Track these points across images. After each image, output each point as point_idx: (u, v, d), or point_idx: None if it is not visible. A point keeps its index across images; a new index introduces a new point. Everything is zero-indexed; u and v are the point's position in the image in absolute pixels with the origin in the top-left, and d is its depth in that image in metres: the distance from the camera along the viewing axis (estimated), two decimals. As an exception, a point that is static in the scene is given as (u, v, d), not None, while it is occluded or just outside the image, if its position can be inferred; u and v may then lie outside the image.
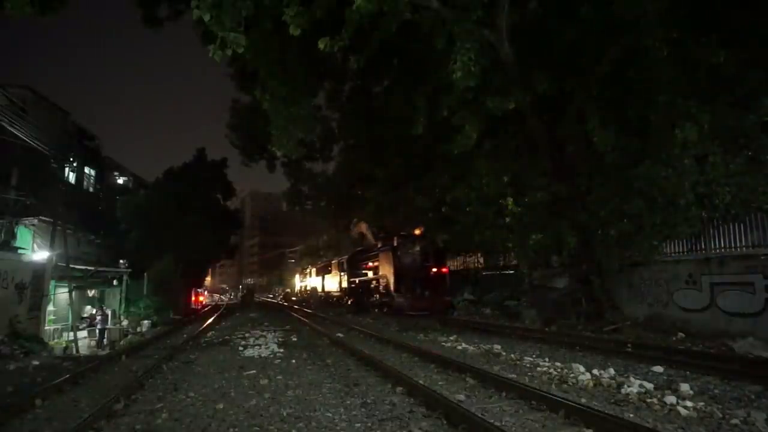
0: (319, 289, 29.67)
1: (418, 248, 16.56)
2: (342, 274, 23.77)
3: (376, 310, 17.90)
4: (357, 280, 21.26)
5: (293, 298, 46.03)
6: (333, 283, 26.04)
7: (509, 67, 11.10)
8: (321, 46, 9.41)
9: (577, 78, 11.10)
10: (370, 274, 19.56)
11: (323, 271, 28.89)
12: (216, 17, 7.39)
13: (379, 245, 19.48)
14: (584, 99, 11.07)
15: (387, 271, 16.61)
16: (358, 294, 20.99)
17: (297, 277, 43.11)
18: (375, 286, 18.49)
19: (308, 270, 36.12)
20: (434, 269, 16.60)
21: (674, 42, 9.42)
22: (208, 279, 48.86)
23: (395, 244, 16.65)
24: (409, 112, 13.73)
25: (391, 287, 15.79)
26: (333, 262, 26.77)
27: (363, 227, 22.95)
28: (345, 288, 23.19)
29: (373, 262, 19.39)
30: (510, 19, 10.47)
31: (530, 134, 12.92)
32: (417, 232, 16.81)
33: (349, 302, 22.18)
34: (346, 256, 23.74)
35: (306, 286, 36.28)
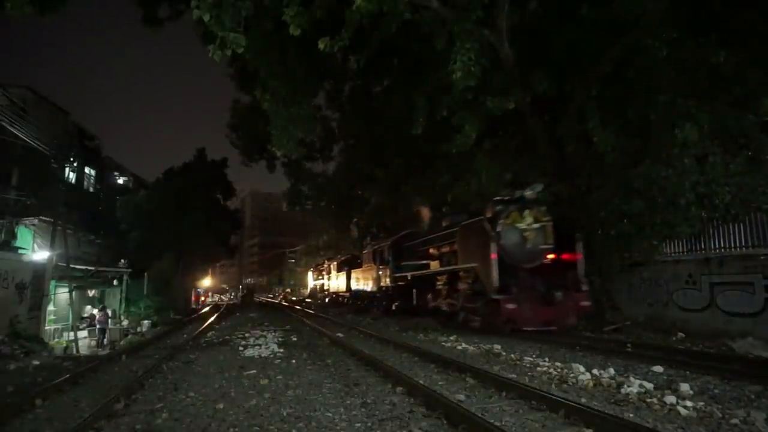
0: (343, 288, 23.85)
1: (531, 219, 10.18)
2: (381, 267, 17.38)
3: (461, 320, 11.52)
4: (408, 276, 14.59)
5: (293, 298, 46.00)
6: (365, 280, 19.87)
7: (509, 67, 11.11)
8: (321, 46, 9.43)
9: (577, 78, 11.11)
10: (436, 264, 12.96)
11: (349, 266, 23.23)
12: (216, 17, 7.41)
13: (444, 224, 13.20)
14: (584, 99, 11.08)
15: (476, 259, 10.24)
16: (411, 295, 14.59)
17: (310, 274, 36.97)
18: (447, 283, 12.19)
19: (325, 266, 29.90)
20: (556, 255, 10.35)
21: (674, 42, 9.43)
22: (209, 279, 48.85)
23: (490, 214, 10.29)
24: (409, 112, 13.74)
25: (492, 285, 9.48)
26: (365, 252, 20.15)
27: (424, 211, 16.66)
28: (386, 287, 16.91)
29: (441, 246, 12.82)
30: (510, 19, 10.49)
31: (530, 134, 12.94)
32: (528, 193, 10.23)
33: (394, 307, 16.37)
34: (389, 241, 17.04)
35: (323, 286, 30.39)
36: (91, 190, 25.33)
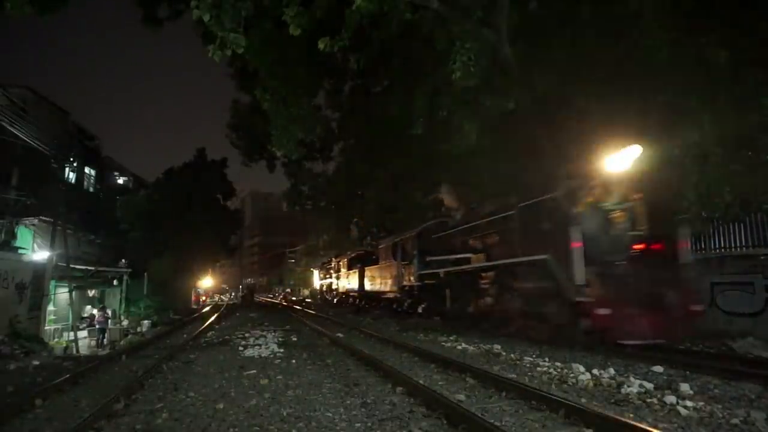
0: (355, 288, 21.65)
1: (619, 197, 7.89)
2: (403, 264, 15.15)
3: (515, 327, 9.56)
4: (441, 273, 12.35)
5: (293, 298, 45.99)
6: (382, 279, 17.49)
7: (509, 67, 11.11)
8: (321, 46, 9.43)
9: (577, 78, 11.11)
10: (480, 258, 10.67)
11: (361, 263, 20.88)
12: (216, 17, 7.42)
13: (484, 207, 11.14)
14: (584, 99, 11.07)
15: (546, 249, 7.94)
16: (442, 296, 12.46)
17: (316, 273, 35.26)
18: (497, 281, 10.06)
19: (333, 263, 27.71)
20: (646, 244, 7.88)
21: (674, 42, 9.43)
22: (209, 279, 48.84)
23: (563, 190, 8.00)
24: (409, 112, 13.74)
25: (573, 283, 7.28)
26: (382, 246, 17.83)
27: (449, 198, 14.57)
28: (410, 286, 14.64)
29: (487, 235, 10.59)
30: (510, 19, 10.49)
31: (530, 133, 12.93)
32: (618, 160, 7.84)
33: (420, 309, 14.06)
34: (414, 232, 14.65)
35: (330, 285, 28.45)
36: (91, 190, 25.32)
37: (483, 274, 10.64)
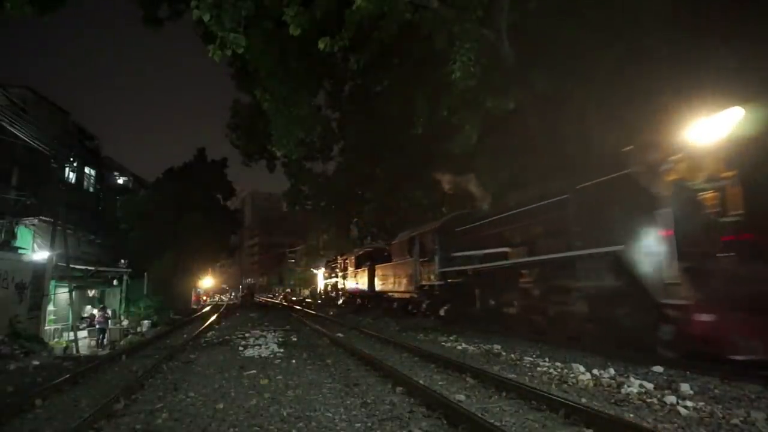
0: (364, 288, 20.02)
1: (708, 174, 6.28)
2: (422, 261, 13.71)
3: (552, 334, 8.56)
4: (469, 270, 11.15)
5: (293, 298, 46.04)
6: (396, 278, 16.10)
7: (509, 67, 11.12)
8: (321, 46, 9.45)
9: (577, 77, 11.12)
10: (519, 252, 9.25)
11: (371, 260, 19.38)
12: (216, 17, 7.44)
13: (523, 194, 9.96)
14: (584, 98, 11.08)
15: (618, 238, 6.53)
16: (470, 296, 11.37)
17: (321, 272, 33.59)
18: (542, 279, 8.84)
19: (340, 262, 25.98)
20: (739, 233, 5.96)
21: (674, 42, 9.43)
22: (209, 279, 48.88)
23: (642, 167, 6.45)
24: (409, 112, 13.74)
25: (661, 281, 5.96)
26: (395, 242, 16.44)
27: (474, 188, 13.04)
28: (429, 286, 13.31)
29: (527, 225, 9.30)
30: (510, 18, 10.50)
31: (530, 133, 12.94)
32: (708, 126, 6.17)
33: (443, 312, 12.56)
34: (436, 225, 13.30)
35: (336, 285, 27.13)
36: (91, 190, 25.31)
37: (524, 272, 9.39)
